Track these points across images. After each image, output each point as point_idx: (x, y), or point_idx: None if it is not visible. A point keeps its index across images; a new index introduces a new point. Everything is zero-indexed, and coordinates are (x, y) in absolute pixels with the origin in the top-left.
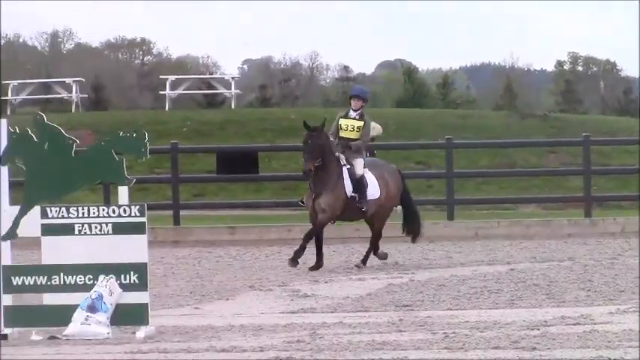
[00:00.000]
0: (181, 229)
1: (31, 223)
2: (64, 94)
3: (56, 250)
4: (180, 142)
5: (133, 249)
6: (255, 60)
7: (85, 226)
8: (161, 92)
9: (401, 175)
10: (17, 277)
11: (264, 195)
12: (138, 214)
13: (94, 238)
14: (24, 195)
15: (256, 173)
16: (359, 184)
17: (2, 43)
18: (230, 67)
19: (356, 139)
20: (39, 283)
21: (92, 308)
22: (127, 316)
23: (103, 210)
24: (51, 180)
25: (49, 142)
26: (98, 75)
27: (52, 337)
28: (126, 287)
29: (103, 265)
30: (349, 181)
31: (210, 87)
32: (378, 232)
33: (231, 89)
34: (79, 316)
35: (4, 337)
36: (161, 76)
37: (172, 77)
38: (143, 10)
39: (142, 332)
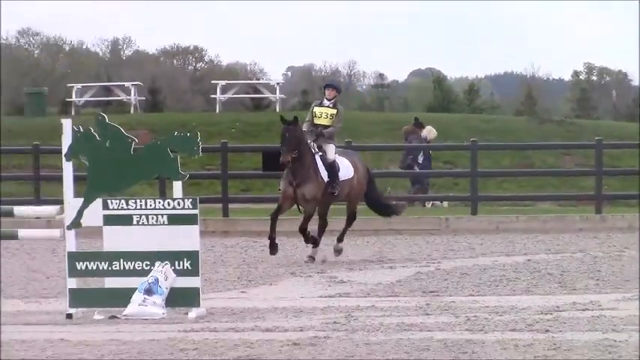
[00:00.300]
0: (230, 221)
1: (94, 214)
2: (124, 97)
3: (116, 239)
4: (230, 141)
5: (186, 238)
6: (298, 67)
7: (143, 217)
8: (212, 96)
9: (367, 169)
10: (81, 263)
11: None
12: (190, 207)
13: (151, 228)
14: (87, 188)
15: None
16: (331, 168)
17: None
18: (275, 74)
19: (329, 126)
20: (101, 268)
21: (149, 291)
22: (181, 299)
23: (159, 202)
24: (111, 175)
25: (110, 140)
26: (155, 79)
27: (112, 317)
28: (179, 272)
29: (159, 253)
30: (324, 168)
31: (257, 91)
32: (352, 213)
33: (276, 94)
34: (137, 298)
35: (69, 316)
36: (212, 81)
37: (222, 82)
38: (197, 20)
39: (193, 313)
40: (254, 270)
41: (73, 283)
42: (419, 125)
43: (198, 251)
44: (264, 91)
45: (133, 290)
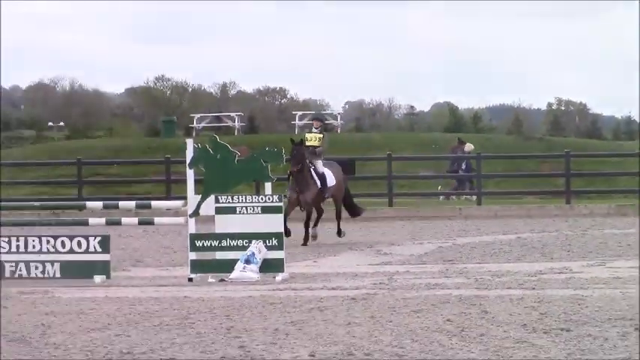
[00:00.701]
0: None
1: (209, 206)
2: (230, 123)
3: (224, 224)
4: None
5: (274, 223)
6: (353, 101)
7: (243, 208)
8: (292, 122)
9: (344, 178)
10: (199, 241)
11: (358, 189)
12: (277, 201)
13: (249, 216)
14: (204, 188)
15: (353, 174)
16: (322, 178)
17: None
18: (336, 106)
19: (318, 146)
20: (213, 245)
21: (247, 261)
22: (270, 267)
23: (255, 198)
24: (221, 178)
25: (220, 154)
26: (252, 111)
27: (221, 280)
28: (269, 248)
29: (255, 234)
30: (317, 178)
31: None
32: (338, 211)
33: (337, 120)
34: (238, 266)
35: (191, 280)
36: (293, 112)
37: (299, 112)
38: (283, 67)
39: (279, 277)
40: (322, 246)
41: (193, 255)
42: (461, 142)
43: (282, 232)
44: (328, 119)
45: (235, 261)
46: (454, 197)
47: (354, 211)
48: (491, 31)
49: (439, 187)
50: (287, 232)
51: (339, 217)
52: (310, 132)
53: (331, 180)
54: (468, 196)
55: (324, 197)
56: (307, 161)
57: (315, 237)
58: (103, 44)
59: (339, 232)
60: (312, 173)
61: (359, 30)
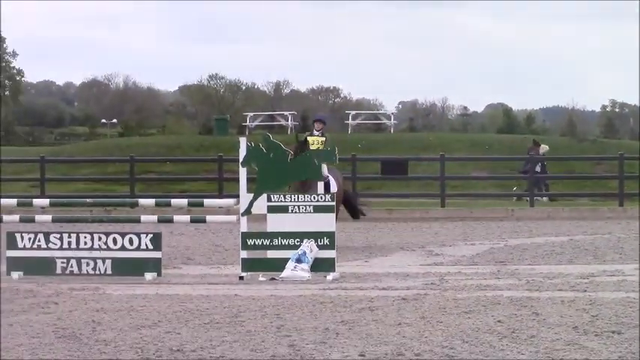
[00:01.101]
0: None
1: (261, 204)
2: (283, 122)
3: (276, 223)
4: (358, 154)
5: (326, 222)
6: (407, 101)
7: (295, 207)
8: (346, 122)
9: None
10: (250, 240)
11: (411, 189)
12: (329, 200)
13: (301, 215)
14: (256, 186)
15: (406, 175)
16: (326, 183)
17: (243, 89)
18: (390, 106)
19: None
20: (265, 243)
21: (299, 260)
22: (321, 266)
23: (307, 197)
24: (274, 177)
25: (273, 153)
26: (305, 110)
27: (272, 279)
28: (321, 247)
29: (306, 233)
30: (322, 183)
31: (377, 118)
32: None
33: (391, 120)
34: (290, 265)
35: (241, 278)
36: (346, 111)
37: (353, 112)
38: (337, 66)
39: (330, 276)
40: (373, 246)
41: (244, 254)
42: (536, 144)
43: (334, 232)
44: (382, 118)
45: (287, 260)
46: (527, 199)
47: (356, 213)
48: (547, 32)
49: (514, 188)
50: None
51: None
52: (312, 134)
53: (334, 186)
54: (539, 198)
55: None
56: None
57: None
58: (158, 42)
59: None
60: None
61: (414, 30)
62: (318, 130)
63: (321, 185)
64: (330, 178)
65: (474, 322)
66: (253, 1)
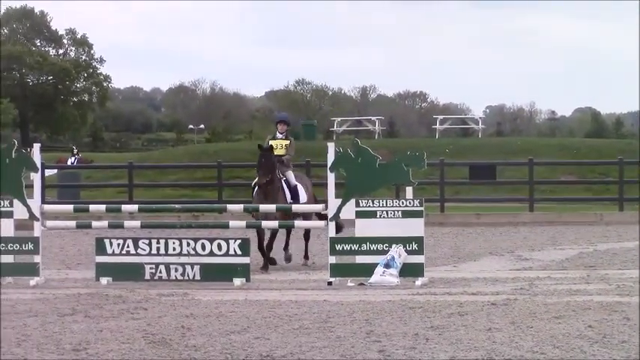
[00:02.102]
0: (445, 215)
1: (349, 210)
2: (370, 127)
3: (365, 228)
4: (445, 158)
5: (414, 227)
6: (494, 106)
7: (384, 212)
8: (433, 126)
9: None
10: (339, 245)
11: (499, 193)
12: (418, 205)
13: (389, 220)
14: (344, 191)
15: (494, 179)
16: (294, 192)
17: (330, 94)
18: (477, 111)
19: (284, 155)
20: (353, 248)
21: (387, 265)
22: (410, 271)
23: (396, 202)
24: (362, 182)
25: (362, 158)
26: (392, 115)
27: (361, 284)
28: (409, 252)
29: (395, 238)
30: (288, 192)
31: (465, 123)
32: (308, 230)
33: (478, 124)
34: (378, 270)
35: (330, 283)
36: (433, 116)
37: (440, 117)
38: (423, 71)
39: (419, 281)
40: (462, 250)
41: (333, 259)
42: None
43: (422, 237)
44: (469, 123)
45: (375, 265)
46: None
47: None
48: (635, 33)
49: None
50: (271, 262)
51: (307, 238)
52: (274, 138)
53: (303, 195)
54: None
55: (294, 214)
56: (277, 172)
57: (289, 259)
58: (244, 48)
59: (306, 256)
60: (283, 185)
61: (499, 33)
62: (281, 133)
63: (288, 195)
64: (299, 186)
65: (565, 327)
66: (338, 6)
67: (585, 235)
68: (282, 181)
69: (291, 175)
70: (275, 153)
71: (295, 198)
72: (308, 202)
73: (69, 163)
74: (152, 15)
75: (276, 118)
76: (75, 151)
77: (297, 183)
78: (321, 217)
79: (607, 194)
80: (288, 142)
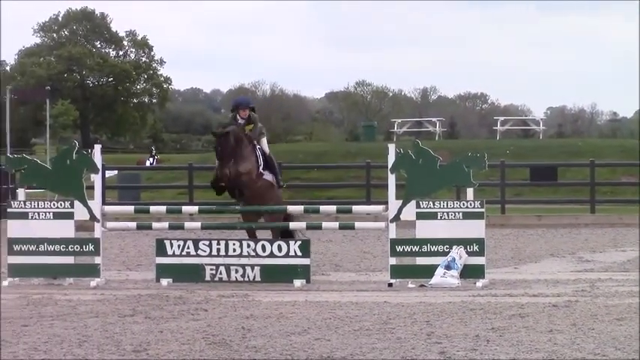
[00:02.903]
0: (505, 216)
1: (409, 211)
2: (431, 128)
3: (425, 229)
4: (506, 160)
5: (475, 229)
6: (555, 107)
7: (445, 213)
8: (494, 128)
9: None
10: (399, 246)
11: (560, 195)
12: (479, 206)
13: (450, 222)
14: (405, 193)
15: (555, 180)
16: (270, 160)
17: (390, 95)
18: (538, 112)
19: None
20: (413, 250)
21: (448, 267)
22: (470, 272)
23: (457, 203)
24: (423, 183)
25: (422, 159)
26: (452, 116)
27: (421, 286)
28: (470, 253)
29: (455, 239)
30: (260, 155)
31: (526, 124)
32: (285, 230)
33: (539, 126)
34: (439, 272)
35: (390, 285)
36: (494, 117)
37: (501, 118)
38: (484, 71)
39: (480, 283)
40: (522, 252)
41: (393, 260)
42: None
43: (483, 238)
44: (530, 124)
45: (436, 266)
46: None
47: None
48: None
49: None
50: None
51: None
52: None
53: (274, 171)
54: None
55: (282, 185)
56: (249, 138)
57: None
58: (304, 49)
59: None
60: (257, 152)
61: (559, 34)
62: (242, 118)
63: (262, 161)
64: (274, 159)
65: (626, 329)
66: (398, 7)
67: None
68: (257, 149)
69: (265, 143)
70: None
71: (274, 168)
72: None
73: (147, 164)
74: (212, 16)
75: (233, 103)
76: (153, 152)
77: (272, 156)
78: (286, 217)
79: None
80: (252, 125)
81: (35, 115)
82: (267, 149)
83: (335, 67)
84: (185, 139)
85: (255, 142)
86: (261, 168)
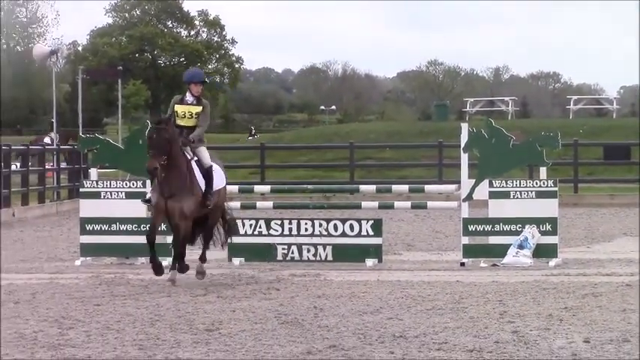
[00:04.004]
0: (579, 195)
1: (482, 190)
2: (503, 108)
3: (498, 208)
4: (579, 139)
5: (548, 208)
6: (628, 86)
7: (517, 192)
8: (567, 107)
9: None
10: (472, 225)
11: (633, 174)
12: (552, 185)
13: (523, 201)
14: (477, 172)
15: (629, 160)
16: (208, 176)
17: (462, 75)
18: (611, 91)
19: (194, 127)
20: (486, 229)
21: (520, 246)
22: (543, 252)
23: (530, 182)
24: (495, 162)
25: (495, 138)
26: (525, 95)
27: (494, 265)
28: (543, 233)
29: (528, 218)
30: (201, 176)
31: (599, 103)
32: (212, 225)
33: (612, 105)
34: (511, 251)
35: (463, 264)
36: (567, 96)
37: (575, 97)
38: (557, 50)
39: (552, 262)
40: (596, 231)
41: (465, 240)
42: None
43: (556, 217)
44: (604, 103)
45: (508, 246)
46: None
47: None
48: None
49: None
50: (157, 269)
51: (208, 239)
52: (182, 102)
53: (220, 179)
54: None
55: (208, 206)
56: (182, 150)
57: (201, 274)
58: (376, 28)
59: (202, 258)
60: (194, 169)
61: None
62: (194, 96)
63: (202, 181)
64: (216, 166)
65: None
66: None
67: None
68: (193, 162)
69: (205, 153)
70: (181, 124)
71: (209, 183)
72: (223, 191)
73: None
74: None
75: (186, 76)
76: (253, 131)
77: (212, 163)
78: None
79: None
80: (200, 108)
81: (107, 95)
82: (207, 162)
83: (407, 47)
84: (256, 119)
85: (192, 156)
86: (202, 188)
